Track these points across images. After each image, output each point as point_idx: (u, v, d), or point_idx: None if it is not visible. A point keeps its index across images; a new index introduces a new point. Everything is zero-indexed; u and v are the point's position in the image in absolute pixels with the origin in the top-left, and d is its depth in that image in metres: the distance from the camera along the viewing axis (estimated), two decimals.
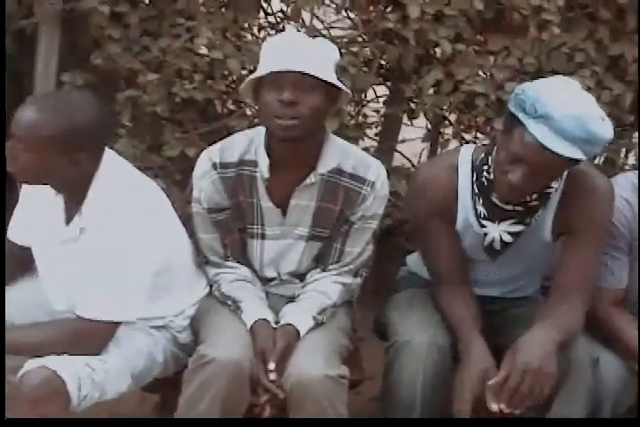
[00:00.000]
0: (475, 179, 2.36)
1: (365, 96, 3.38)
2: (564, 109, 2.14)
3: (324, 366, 2.27)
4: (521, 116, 2.18)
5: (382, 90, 3.47)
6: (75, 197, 2.27)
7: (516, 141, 2.20)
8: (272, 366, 2.28)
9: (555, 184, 2.33)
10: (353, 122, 3.23)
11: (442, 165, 2.43)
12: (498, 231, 2.40)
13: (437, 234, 2.41)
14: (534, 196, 2.32)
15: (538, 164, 2.18)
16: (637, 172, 2.55)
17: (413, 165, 3.55)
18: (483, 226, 2.40)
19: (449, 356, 2.34)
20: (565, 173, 2.33)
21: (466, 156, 2.40)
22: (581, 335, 2.34)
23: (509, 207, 2.35)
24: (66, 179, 2.23)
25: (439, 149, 3.50)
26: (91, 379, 2.20)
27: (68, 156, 2.18)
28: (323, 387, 2.25)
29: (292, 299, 2.50)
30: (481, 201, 2.37)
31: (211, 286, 2.53)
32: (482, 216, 2.39)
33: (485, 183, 2.34)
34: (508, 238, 2.40)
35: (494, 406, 2.17)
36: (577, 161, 2.22)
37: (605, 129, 2.19)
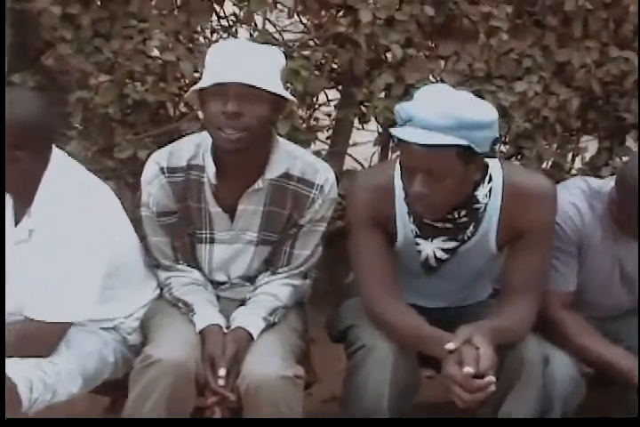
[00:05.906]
0: (405, 197, 2.34)
1: (317, 100, 3.39)
2: (423, 106, 2.16)
3: (279, 367, 2.28)
4: (395, 132, 2.20)
5: (334, 93, 3.49)
6: (23, 197, 2.26)
7: (400, 154, 2.24)
8: (222, 371, 2.28)
9: (483, 199, 2.32)
10: (304, 125, 3.23)
11: (381, 177, 2.39)
12: (431, 248, 2.39)
13: (375, 242, 2.37)
14: (462, 212, 2.31)
15: (423, 164, 2.16)
16: (585, 177, 2.62)
17: (364, 169, 3.58)
18: (417, 243, 2.40)
19: (415, 361, 2.33)
20: (500, 183, 2.33)
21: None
22: (532, 335, 2.36)
23: (439, 224, 2.34)
24: (10, 178, 2.21)
25: (390, 153, 3.53)
26: (42, 381, 2.20)
27: (7, 153, 2.16)
28: (279, 387, 2.25)
29: (242, 302, 2.50)
30: (412, 219, 2.36)
31: (161, 289, 2.53)
32: (415, 234, 2.39)
33: None
34: (442, 255, 2.40)
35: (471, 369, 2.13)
36: (472, 154, 2.17)
37: (475, 111, 2.16)
